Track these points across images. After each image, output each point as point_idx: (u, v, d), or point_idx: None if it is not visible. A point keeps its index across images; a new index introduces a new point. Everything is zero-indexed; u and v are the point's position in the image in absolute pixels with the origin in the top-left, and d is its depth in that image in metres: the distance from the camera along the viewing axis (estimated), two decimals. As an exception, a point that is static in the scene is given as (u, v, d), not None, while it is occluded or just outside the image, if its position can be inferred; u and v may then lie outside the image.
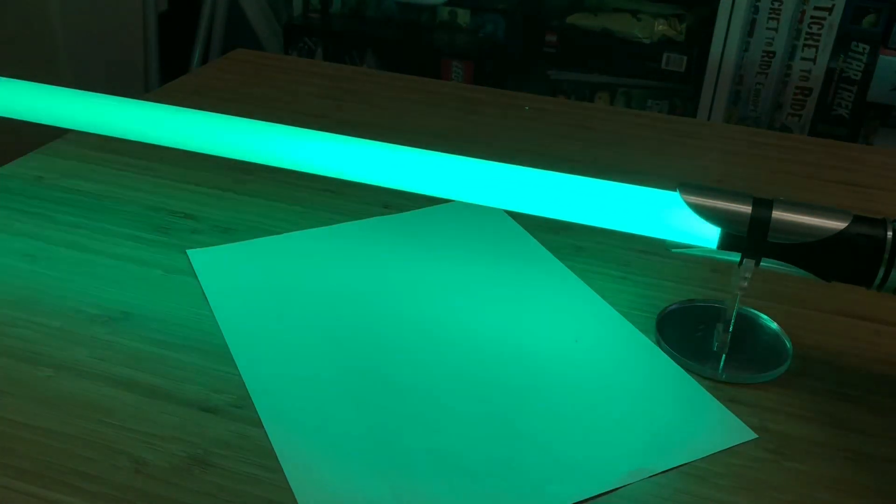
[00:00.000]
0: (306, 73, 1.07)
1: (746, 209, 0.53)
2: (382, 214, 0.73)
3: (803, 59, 1.54)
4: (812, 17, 1.51)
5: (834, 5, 1.49)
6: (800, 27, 1.52)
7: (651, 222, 0.56)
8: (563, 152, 0.87)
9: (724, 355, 0.57)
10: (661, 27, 1.63)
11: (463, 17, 1.78)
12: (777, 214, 0.52)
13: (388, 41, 1.80)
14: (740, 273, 0.55)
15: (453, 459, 0.48)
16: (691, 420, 0.52)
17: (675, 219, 0.55)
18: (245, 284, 0.63)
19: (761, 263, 0.54)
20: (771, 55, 1.56)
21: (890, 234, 0.51)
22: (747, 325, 0.61)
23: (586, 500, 0.46)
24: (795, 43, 1.54)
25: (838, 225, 0.51)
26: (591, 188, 0.58)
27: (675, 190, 0.55)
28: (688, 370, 0.56)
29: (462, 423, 0.51)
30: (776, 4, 1.52)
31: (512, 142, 0.89)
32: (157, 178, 0.78)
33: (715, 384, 0.55)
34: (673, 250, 0.56)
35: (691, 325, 0.61)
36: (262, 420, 0.50)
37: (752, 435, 0.51)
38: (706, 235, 0.54)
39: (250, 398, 0.52)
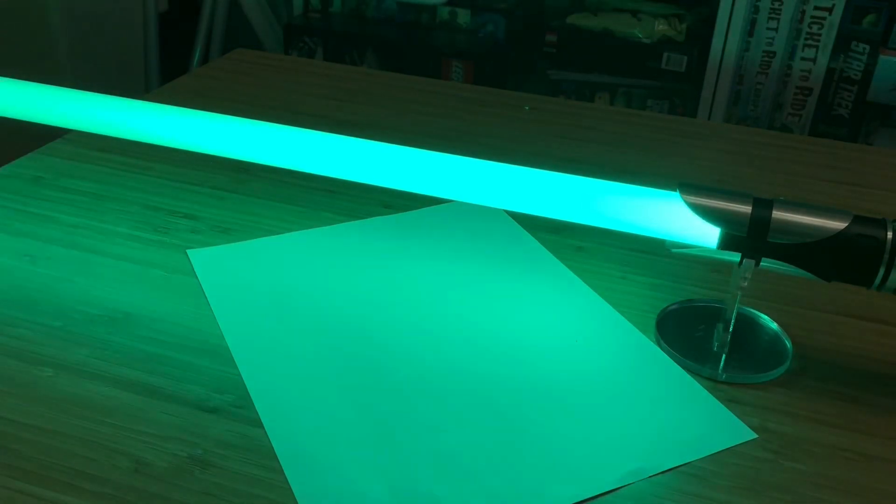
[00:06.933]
0: (306, 73, 1.07)
1: (746, 209, 0.53)
2: (382, 214, 0.73)
3: (803, 59, 1.54)
4: (812, 17, 1.51)
5: (834, 5, 1.49)
6: (800, 27, 1.52)
7: (651, 222, 0.56)
8: (563, 152, 0.87)
9: (724, 355, 0.57)
10: (661, 27, 1.63)
11: (463, 17, 1.78)
12: (777, 214, 0.52)
13: (388, 41, 1.80)
14: (740, 273, 0.55)
15: (453, 459, 0.48)
16: (691, 420, 0.52)
17: (675, 219, 0.55)
18: (245, 284, 0.63)
19: (761, 263, 0.54)
20: (771, 55, 1.55)
21: (890, 234, 0.51)
22: (747, 325, 0.61)
23: (586, 500, 0.46)
24: (795, 43, 1.54)
25: (838, 225, 0.51)
26: (591, 188, 0.58)
27: (675, 190, 0.55)
28: (688, 370, 0.56)
29: (462, 422, 0.51)
30: (776, 4, 1.51)
31: (512, 142, 0.89)
32: (157, 178, 0.78)
33: (715, 384, 0.55)
34: (673, 250, 0.56)
35: (691, 325, 0.61)
36: (262, 420, 0.50)
37: (752, 435, 0.51)
38: (706, 235, 0.54)
39: (250, 398, 0.52)
